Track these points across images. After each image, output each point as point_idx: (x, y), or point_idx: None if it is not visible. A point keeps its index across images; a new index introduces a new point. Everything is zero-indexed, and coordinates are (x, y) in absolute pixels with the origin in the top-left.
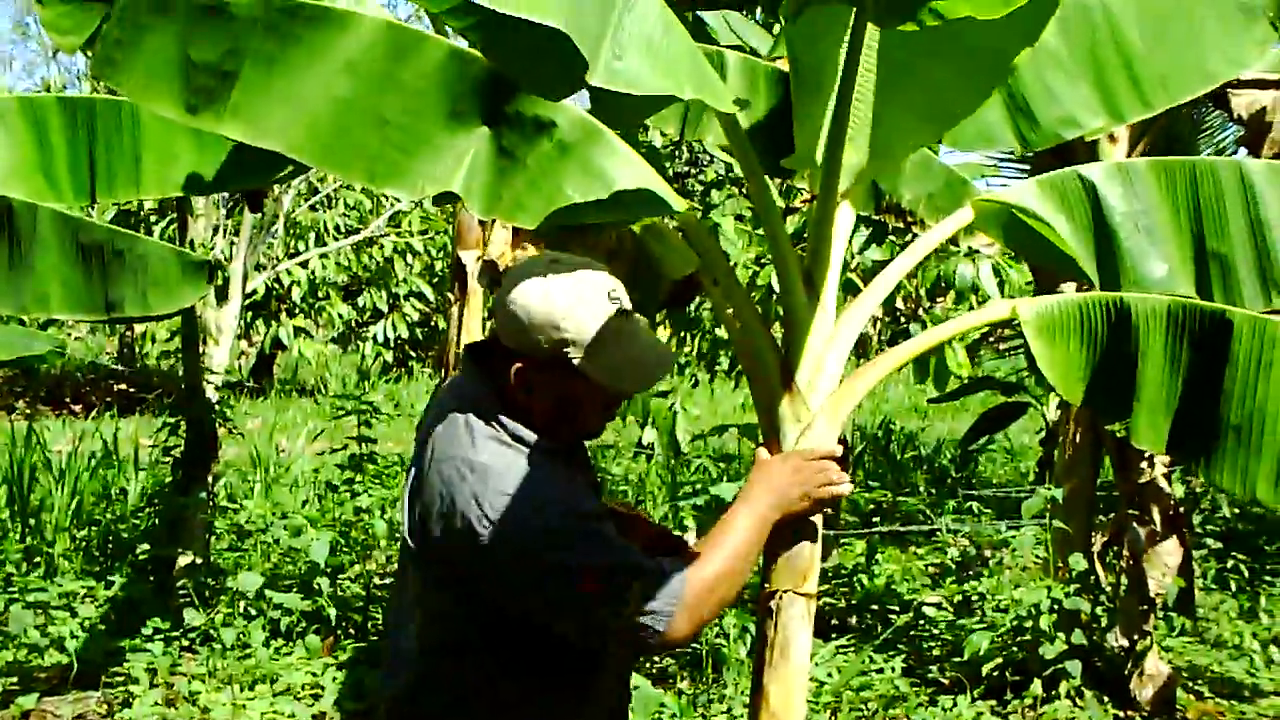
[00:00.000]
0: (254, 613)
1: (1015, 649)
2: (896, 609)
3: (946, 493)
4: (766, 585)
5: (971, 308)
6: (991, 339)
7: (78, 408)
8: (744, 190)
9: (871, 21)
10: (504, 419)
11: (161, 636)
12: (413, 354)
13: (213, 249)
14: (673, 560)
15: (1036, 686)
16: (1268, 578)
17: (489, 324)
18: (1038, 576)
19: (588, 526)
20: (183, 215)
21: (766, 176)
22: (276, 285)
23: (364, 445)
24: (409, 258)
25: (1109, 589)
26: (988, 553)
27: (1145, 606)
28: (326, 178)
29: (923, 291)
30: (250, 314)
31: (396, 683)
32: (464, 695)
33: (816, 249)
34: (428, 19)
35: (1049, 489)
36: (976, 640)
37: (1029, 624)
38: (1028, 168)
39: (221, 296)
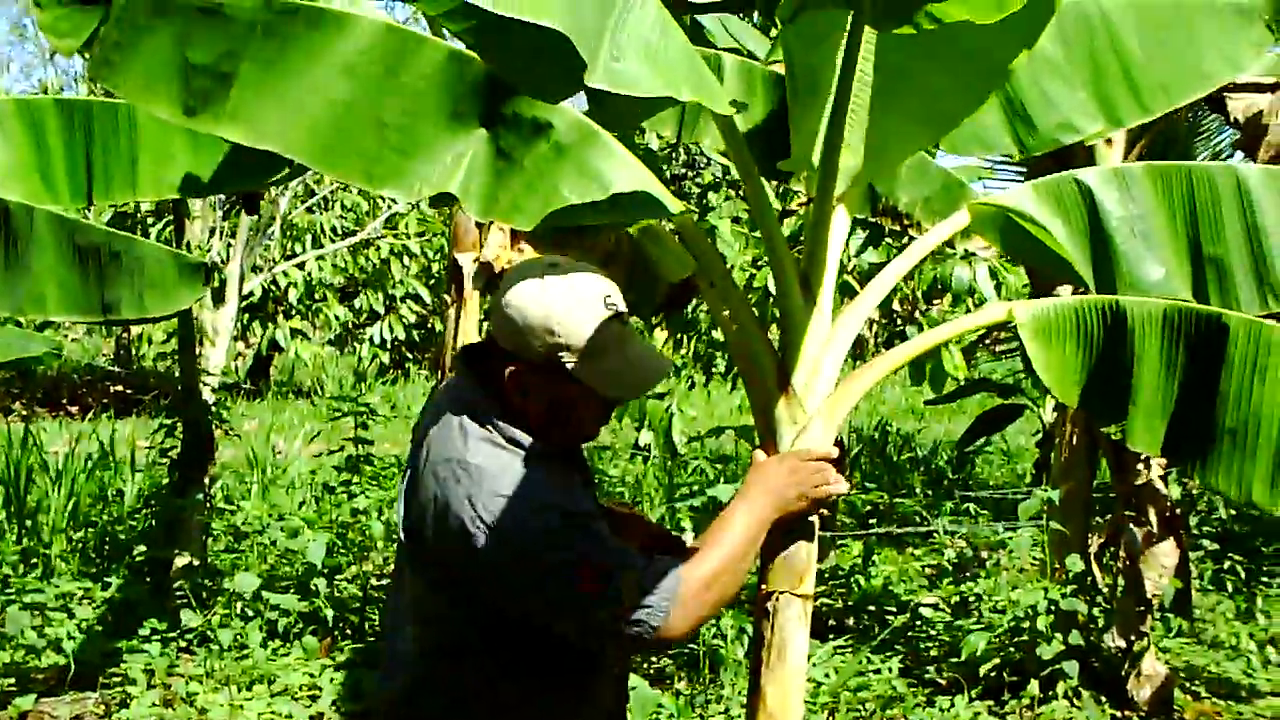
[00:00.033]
0: (251, 614)
1: (1012, 649)
2: (894, 610)
3: (943, 494)
4: (763, 586)
5: (968, 310)
6: (988, 341)
7: (74, 409)
8: (741, 193)
9: (868, 25)
10: (499, 421)
11: (159, 637)
12: (409, 356)
13: (209, 251)
14: (670, 558)
15: (1034, 687)
16: (1264, 579)
17: (485, 326)
18: (1035, 578)
19: (586, 527)
20: (179, 217)
21: (763, 179)
22: (273, 287)
23: (361, 447)
24: (406, 260)
25: (1106, 590)
26: (985, 554)
27: (1142, 607)
28: (323, 180)
29: (919, 294)
30: (247, 316)
31: (394, 685)
32: (462, 697)
33: (813, 251)
34: (425, 21)
35: (1046, 490)
36: (974, 641)
37: (1026, 625)
38: (1024, 171)
39: (218, 298)
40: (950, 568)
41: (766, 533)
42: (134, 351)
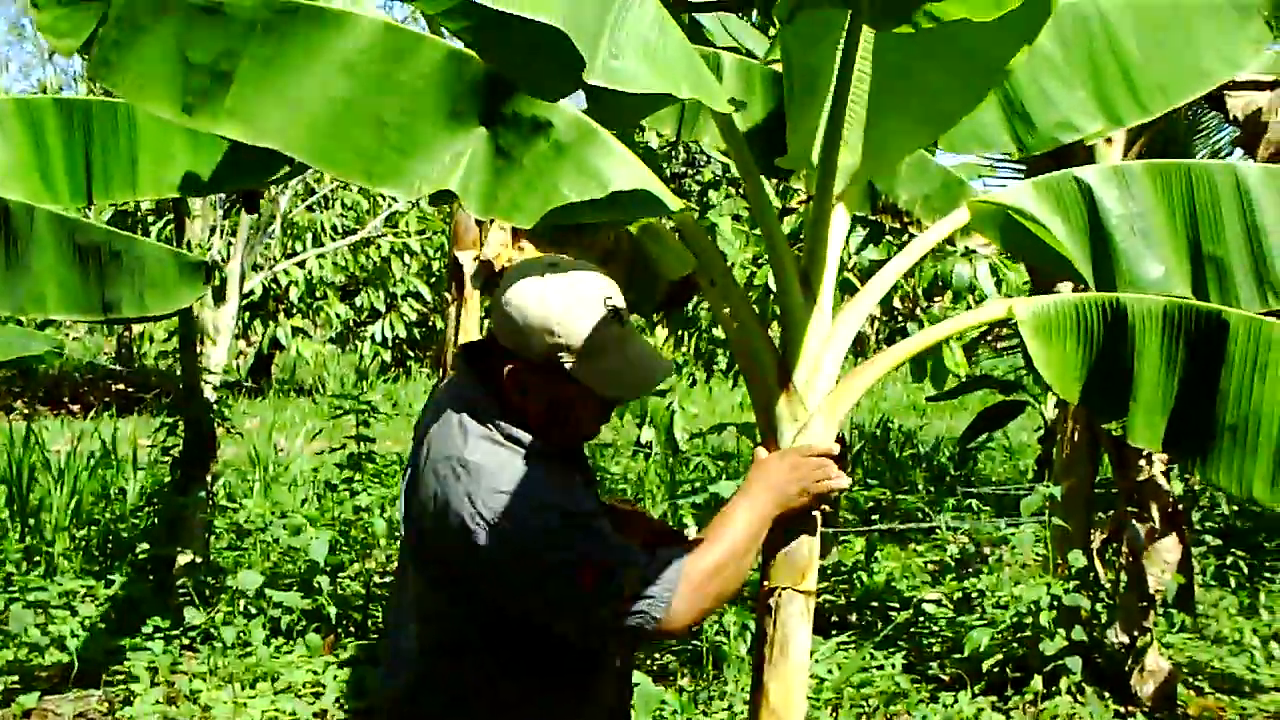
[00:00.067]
0: (254, 611)
1: (1015, 645)
2: (896, 606)
3: (945, 490)
4: (766, 582)
5: (969, 307)
6: (989, 338)
7: (76, 408)
8: (741, 191)
9: (867, 24)
10: (499, 420)
11: (162, 635)
12: (410, 353)
13: (210, 249)
14: (673, 550)
15: (1037, 682)
16: (1267, 574)
17: (486, 323)
18: (1037, 573)
19: (586, 526)
20: (180, 216)
21: (763, 177)
22: (274, 285)
23: (362, 444)
24: (406, 258)
25: (1108, 586)
26: (987, 550)
27: (1145, 603)
28: (323, 178)
29: (920, 291)
30: (248, 314)
31: (396, 683)
32: (463, 695)
33: (813, 249)
34: (424, 20)
35: (1048, 486)
36: (977, 637)
37: (1029, 620)
38: (1024, 168)
39: (219, 297)
40: (953, 564)
41: (769, 529)
42: (135, 350)
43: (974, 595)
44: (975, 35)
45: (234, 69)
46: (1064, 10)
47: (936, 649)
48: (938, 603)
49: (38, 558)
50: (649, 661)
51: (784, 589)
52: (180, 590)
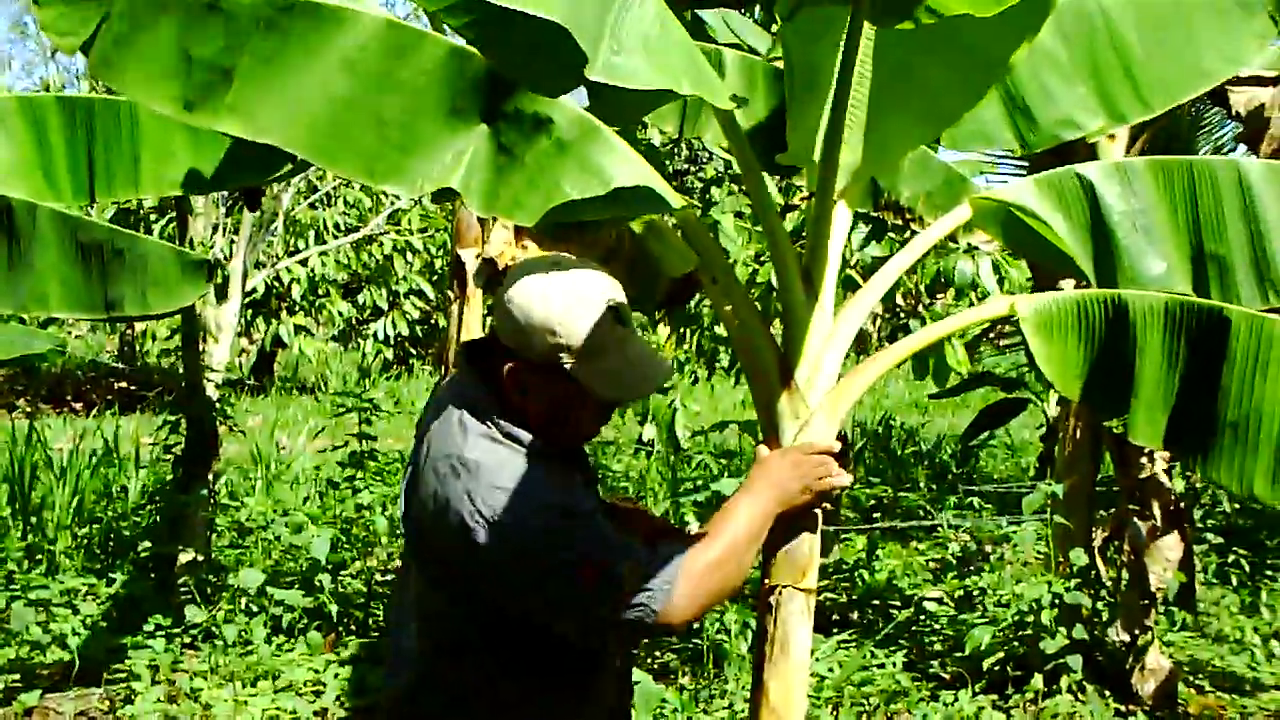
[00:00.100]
0: (255, 609)
1: (1016, 644)
2: (897, 604)
3: (947, 488)
4: (766, 580)
5: (971, 304)
6: (991, 335)
7: (78, 406)
8: (743, 188)
9: (868, 20)
10: (499, 418)
11: (163, 633)
12: (413, 351)
13: (212, 247)
14: (673, 544)
15: (1038, 681)
16: (1269, 572)
17: (489, 321)
18: (1039, 571)
19: (586, 525)
20: (182, 214)
21: (765, 174)
22: (276, 283)
23: (365, 442)
24: (409, 255)
25: (1110, 584)
26: (988, 548)
27: (1146, 601)
28: (326, 175)
29: (922, 288)
30: (250, 312)
31: (398, 682)
32: (464, 695)
33: (815, 246)
34: (425, 17)
35: (1049, 484)
36: (978, 635)
37: (1030, 619)
38: (1026, 165)
39: (221, 294)
40: (954, 562)
41: (770, 526)
42: (138, 348)
43: (975, 593)
44: (976, 31)
45: (235, 66)
46: (1065, 6)
47: (937, 647)
48: (939, 601)
49: (39, 556)
50: (649, 660)
51: (785, 587)
52: (182, 588)
